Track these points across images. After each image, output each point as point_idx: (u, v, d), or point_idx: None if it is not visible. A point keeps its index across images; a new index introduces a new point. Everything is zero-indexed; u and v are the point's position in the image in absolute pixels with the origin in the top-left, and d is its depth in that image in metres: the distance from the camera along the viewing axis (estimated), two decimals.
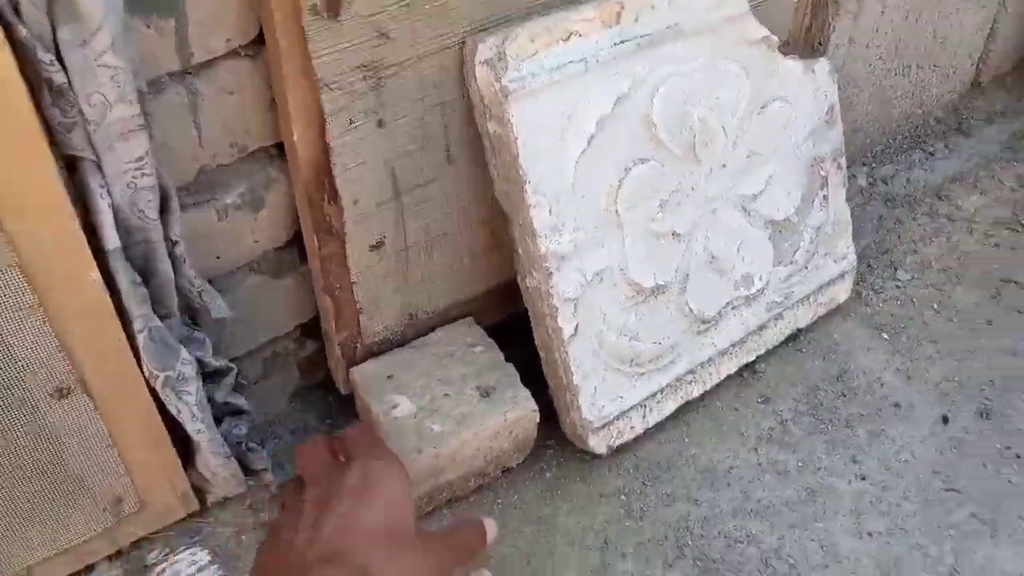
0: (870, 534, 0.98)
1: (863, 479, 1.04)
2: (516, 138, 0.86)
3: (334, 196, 0.90)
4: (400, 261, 1.00)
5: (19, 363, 0.75)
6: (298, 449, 0.69)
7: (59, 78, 0.68)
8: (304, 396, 1.12)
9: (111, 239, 0.76)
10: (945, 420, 1.10)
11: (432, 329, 1.09)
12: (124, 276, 0.77)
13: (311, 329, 1.09)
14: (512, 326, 1.08)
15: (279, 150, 0.93)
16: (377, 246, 0.96)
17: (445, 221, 1.01)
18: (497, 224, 1.04)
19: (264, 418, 1.11)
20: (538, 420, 1.02)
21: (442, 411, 0.98)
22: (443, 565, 0.65)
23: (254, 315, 1.01)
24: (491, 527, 0.69)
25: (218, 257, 0.95)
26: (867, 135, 1.43)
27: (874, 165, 1.42)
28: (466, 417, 0.98)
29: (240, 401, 1.00)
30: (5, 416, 0.77)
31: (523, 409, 1.00)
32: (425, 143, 0.93)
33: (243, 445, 1.02)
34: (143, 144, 0.75)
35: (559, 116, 0.90)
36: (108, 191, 0.75)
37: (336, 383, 1.07)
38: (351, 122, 0.86)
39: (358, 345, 1.04)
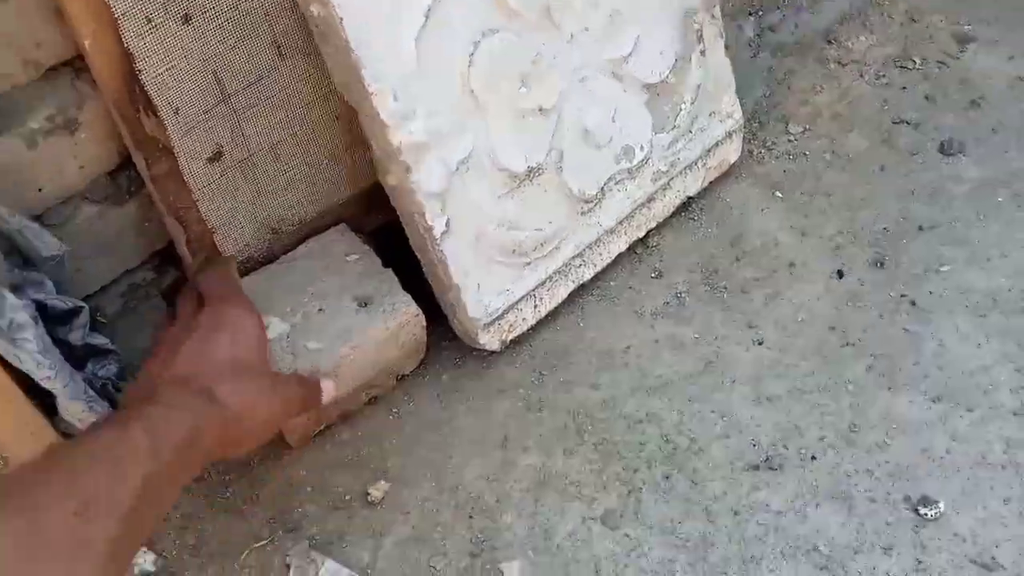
0: (769, 399, 0.96)
1: (760, 344, 1.01)
2: (342, 19, 0.77)
3: (150, 107, 0.81)
4: (247, 172, 0.91)
5: None
6: (179, 294, 0.78)
7: None
8: None
9: None
10: (840, 274, 1.07)
11: (301, 243, 1.02)
12: None
13: (170, 256, 1.01)
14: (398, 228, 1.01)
15: (83, 63, 0.82)
16: (215, 157, 0.88)
17: (289, 122, 0.92)
18: (353, 119, 0.96)
19: (138, 355, 1.03)
20: (424, 324, 0.97)
21: (317, 327, 0.92)
22: (291, 403, 0.73)
23: (99, 247, 0.93)
24: (328, 388, 0.80)
25: (40, 189, 0.86)
26: None
27: (761, 13, 1.34)
28: (345, 331, 0.92)
29: (100, 340, 0.93)
30: None
31: (405, 315, 0.95)
32: (246, 36, 0.83)
33: (112, 385, 0.96)
34: None
35: None
36: None
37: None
38: (149, 20, 0.76)
39: None
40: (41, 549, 0.44)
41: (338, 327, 0.92)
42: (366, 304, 0.95)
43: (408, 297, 0.96)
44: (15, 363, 0.82)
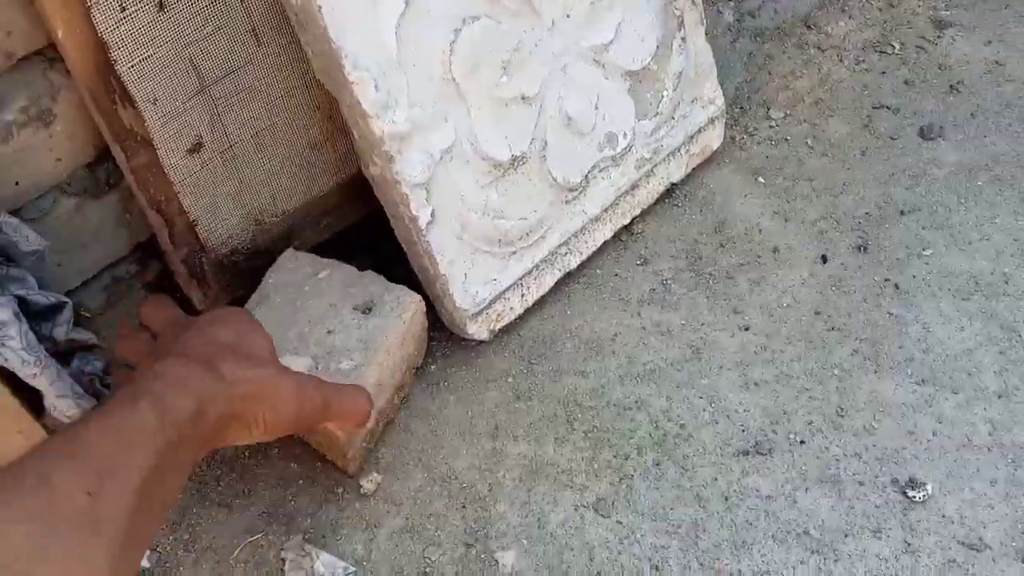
0: (756, 384, 0.97)
1: (746, 330, 1.02)
2: (320, 6, 0.76)
3: (126, 97, 0.79)
4: (227, 162, 0.90)
5: None
6: (145, 304, 0.71)
7: None
8: None
9: None
10: (824, 259, 1.07)
11: (285, 234, 1.00)
12: None
13: (152, 249, 0.99)
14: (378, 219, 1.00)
15: (58, 54, 0.80)
16: (195, 149, 0.86)
17: (269, 111, 0.91)
18: (334, 108, 0.95)
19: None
20: (425, 308, 0.95)
21: (338, 348, 0.88)
22: (310, 400, 0.64)
23: (79, 241, 0.91)
24: (363, 401, 0.70)
25: (16, 183, 0.84)
26: None
27: None
28: (366, 341, 0.88)
29: (85, 336, 0.91)
30: None
31: (412, 304, 0.92)
32: (223, 24, 0.82)
33: (99, 381, 0.94)
34: None
35: None
36: None
37: (191, 303, 0.99)
38: (123, 8, 0.74)
39: (203, 259, 0.95)
40: (57, 527, 0.44)
41: (356, 340, 0.88)
42: (369, 309, 0.91)
43: (404, 288, 0.93)
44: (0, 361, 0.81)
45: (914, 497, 0.86)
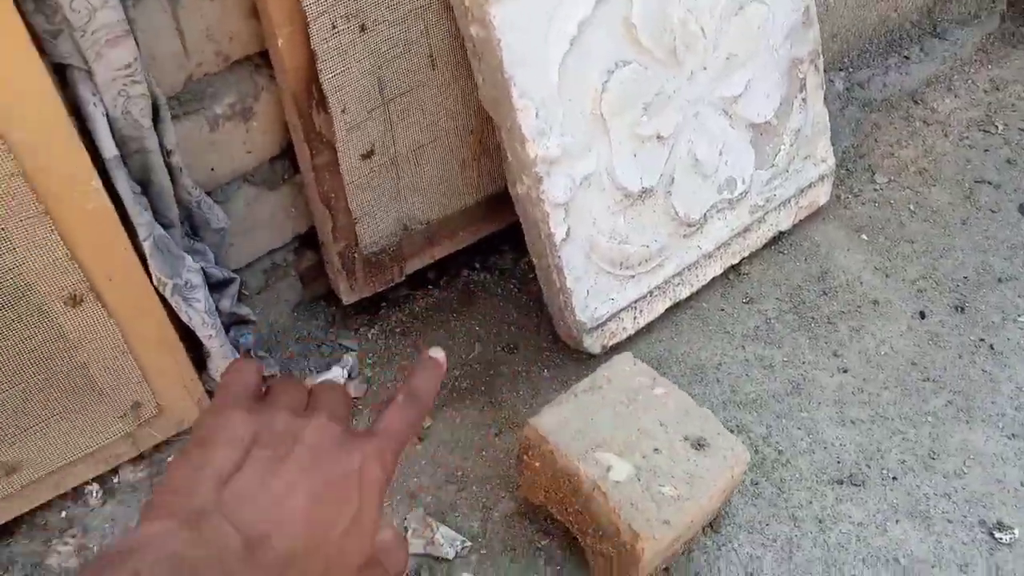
0: (852, 422, 1.03)
1: (845, 372, 1.08)
2: (499, 40, 0.87)
3: (323, 104, 0.90)
4: (391, 170, 1.01)
5: (31, 272, 0.76)
6: (233, 365, 0.45)
7: None
8: (307, 308, 1.14)
9: (108, 147, 0.76)
10: (922, 315, 1.13)
11: (428, 242, 1.11)
12: (124, 184, 0.78)
13: (309, 240, 1.10)
14: (505, 236, 1.10)
15: (264, 59, 0.93)
16: (368, 155, 0.97)
17: (432, 129, 1.01)
18: (485, 132, 1.05)
19: (269, 329, 1.13)
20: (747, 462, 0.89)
21: (662, 470, 0.84)
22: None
23: (251, 226, 1.03)
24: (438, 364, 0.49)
25: (212, 169, 0.95)
26: (844, 40, 1.44)
27: (851, 70, 1.43)
28: (692, 476, 0.84)
29: (245, 311, 1.02)
30: (20, 324, 0.78)
31: (742, 460, 0.86)
32: (408, 48, 0.93)
33: (251, 353, 1.04)
34: (131, 51, 0.75)
35: (541, 18, 0.91)
36: (101, 100, 0.75)
37: (338, 294, 1.09)
38: (334, 27, 0.86)
39: (356, 255, 1.05)
40: None
41: (682, 471, 0.84)
42: (701, 446, 0.86)
43: (737, 440, 0.88)
44: (184, 319, 0.92)
45: (1001, 539, 0.91)
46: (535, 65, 0.91)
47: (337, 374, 1.06)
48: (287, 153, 1.01)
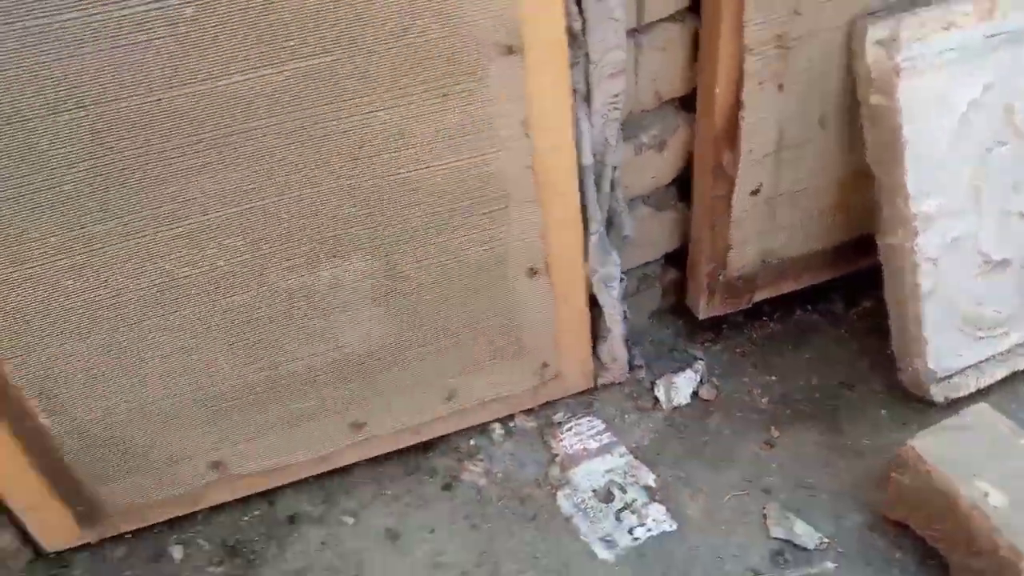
0: None
1: None
2: (901, 110, 1.02)
3: (733, 144, 1.09)
4: (768, 208, 1.18)
5: (512, 245, 1.00)
6: None
7: (577, 26, 0.92)
8: (660, 316, 1.34)
9: (587, 156, 0.99)
10: None
11: (779, 276, 1.26)
12: (591, 187, 1.01)
13: (674, 259, 1.29)
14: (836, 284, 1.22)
15: (681, 103, 1.13)
16: (755, 192, 1.15)
17: (809, 178, 1.18)
18: (848, 186, 1.20)
19: (631, 329, 1.32)
20: None
21: None
22: None
23: (638, 240, 1.22)
24: None
25: (626, 187, 1.16)
26: None
27: None
28: None
29: (625, 307, 1.22)
30: (493, 286, 1.02)
31: None
32: (807, 107, 1.11)
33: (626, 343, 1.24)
34: (622, 84, 0.97)
35: (937, 95, 1.05)
36: (589, 119, 0.98)
37: (694, 309, 1.27)
38: (760, 84, 1.05)
39: (720, 278, 1.23)
40: None
41: None
42: None
43: None
44: (602, 304, 1.13)
45: None
46: (927, 132, 1.05)
47: (691, 377, 1.24)
48: (675, 182, 1.20)
